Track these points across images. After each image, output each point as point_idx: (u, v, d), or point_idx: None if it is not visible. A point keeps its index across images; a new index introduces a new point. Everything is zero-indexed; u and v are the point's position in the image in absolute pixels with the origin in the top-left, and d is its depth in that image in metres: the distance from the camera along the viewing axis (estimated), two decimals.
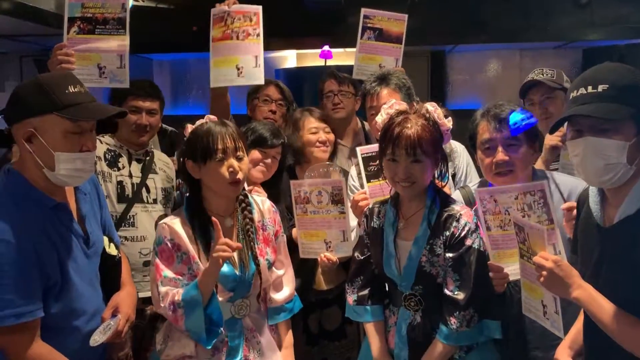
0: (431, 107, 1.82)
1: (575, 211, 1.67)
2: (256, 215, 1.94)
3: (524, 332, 1.87)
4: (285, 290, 2.00)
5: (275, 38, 5.19)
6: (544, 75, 2.60)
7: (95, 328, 1.70)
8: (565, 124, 1.48)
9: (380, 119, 1.87)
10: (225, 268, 1.77)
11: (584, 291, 1.39)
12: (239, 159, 1.81)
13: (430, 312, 1.81)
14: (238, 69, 2.47)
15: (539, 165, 2.02)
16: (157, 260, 1.79)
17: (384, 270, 1.87)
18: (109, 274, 1.83)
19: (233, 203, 1.90)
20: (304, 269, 2.40)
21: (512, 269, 1.72)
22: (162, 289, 1.77)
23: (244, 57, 2.47)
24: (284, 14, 5.01)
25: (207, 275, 1.72)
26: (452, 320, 1.74)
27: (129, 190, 2.41)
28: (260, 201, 2.00)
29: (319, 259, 2.23)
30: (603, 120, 1.36)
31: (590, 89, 1.39)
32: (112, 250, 1.85)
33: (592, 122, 1.38)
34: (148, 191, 2.46)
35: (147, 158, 2.52)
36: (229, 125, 1.84)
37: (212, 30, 2.51)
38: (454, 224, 1.77)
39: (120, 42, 2.34)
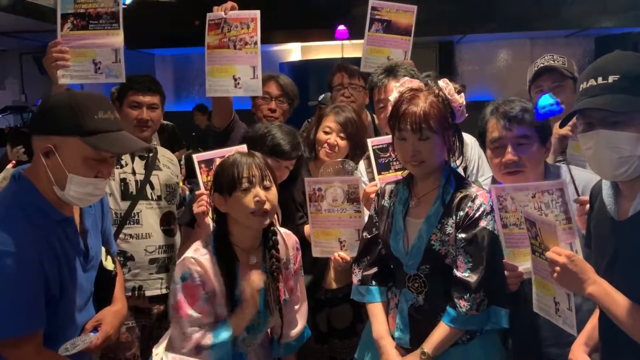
0: (443, 83, 1.81)
1: (588, 206, 1.66)
2: (282, 252, 1.90)
3: (539, 329, 1.87)
4: (298, 326, 2.00)
5: (279, 31, 5.20)
6: (555, 62, 2.54)
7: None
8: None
9: (393, 97, 1.87)
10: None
11: (598, 287, 1.38)
12: (266, 189, 1.78)
13: (433, 296, 1.80)
14: (235, 80, 2.44)
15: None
16: (181, 297, 1.74)
17: (390, 249, 1.87)
18: (103, 289, 1.84)
19: (259, 238, 1.87)
20: (316, 267, 2.40)
21: (527, 268, 1.71)
22: (189, 329, 1.73)
23: (241, 68, 2.43)
24: (287, 7, 5.01)
25: (242, 319, 1.77)
26: (462, 303, 1.72)
27: (132, 188, 2.42)
28: (286, 235, 1.96)
29: (332, 258, 2.23)
30: (614, 112, 1.35)
31: (600, 80, 1.38)
32: (108, 263, 1.85)
33: (604, 114, 1.37)
34: (152, 188, 2.46)
35: (151, 155, 2.52)
36: (255, 156, 1.83)
37: (208, 37, 2.47)
38: (469, 204, 1.76)
39: (114, 37, 2.34)
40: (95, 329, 1.74)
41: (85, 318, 1.74)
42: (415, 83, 1.85)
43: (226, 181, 1.76)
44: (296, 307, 2.00)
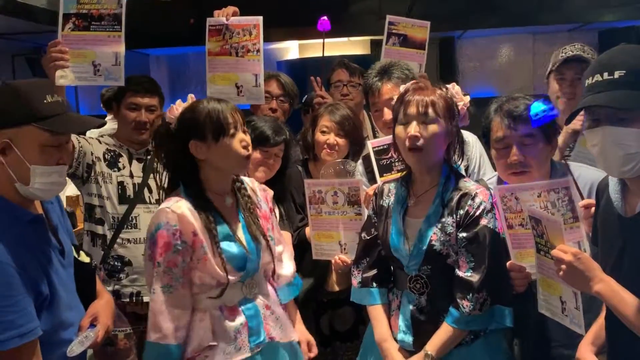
0: (450, 85, 1.86)
1: (593, 209, 1.66)
2: (250, 194, 1.97)
3: (547, 329, 1.87)
4: (288, 266, 2.05)
5: (276, 29, 5.19)
6: (586, 53, 2.50)
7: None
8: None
9: (402, 90, 1.90)
10: (233, 248, 1.80)
11: (605, 285, 1.39)
12: (245, 133, 1.84)
13: (436, 296, 1.81)
14: (237, 87, 2.47)
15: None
16: (154, 248, 1.76)
17: (390, 251, 1.87)
18: (85, 282, 1.83)
19: (231, 181, 1.92)
20: (317, 269, 2.41)
21: (534, 268, 1.71)
22: (157, 303, 1.76)
23: (243, 75, 2.47)
24: (284, 3, 5.01)
25: None
26: (465, 303, 1.73)
27: (130, 191, 2.43)
28: (250, 180, 2.03)
29: (332, 261, 2.24)
30: (621, 109, 1.36)
31: (606, 75, 1.39)
32: (83, 258, 1.84)
33: (610, 111, 1.38)
34: (150, 191, 2.47)
35: (149, 157, 2.53)
36: (227, 102, 1.87)
37: (208, 43, 2.50)
38: (469, 202, 1.77)
39: (115, 39, 2.35)
40: (91, 325, 1.74)
41: (78, 316, 1.73)
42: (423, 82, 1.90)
43: (212, 128, 1.78)
44: (279, 247, 2.03)
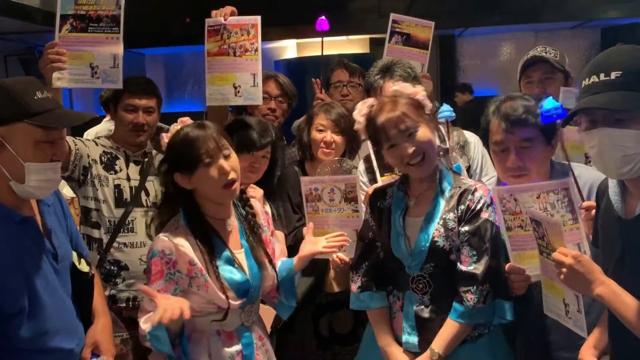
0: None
1: (594, 211, 1.67)
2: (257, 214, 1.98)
3: (548, 332, 1.88)
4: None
5: (274, 27, 5.22)
6: (547, 53, 2.59)
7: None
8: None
9: (360, 119, 1.91)
10: (236, 275, 1.81)
11: (606, 287, 1.40)
12: (226, 157, 1.80)
13: (439, 295, 1.83)
14: (235, 88, 2.48)
15: None
16: (149, 275, 1.79)
17: (391, 252, 1.89)
18: (82, 293, 1.81)
19: (230, 206, 1.92)
20: (315, 270, 2.43)
21: (534, 270, 1.73)
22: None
23: (241, 75, 2.48)
24: (282, 1, 5.04)
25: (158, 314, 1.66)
26: (469, 297, 1.76)
27: (127, 194, 2.44)
28: (254, 201, 2.04)
29: (330, 260, 2.25)
30: (618, 110, 1.37)
31: (602, 76, 1.40)
32: (83, 266, 1.82)
33: (607, 112, 1.40)
34: (147, 194, 2.47)
35: (146, 160, 2.53)
36: (207, 127, 1.82)
37: (207, 44, 2.51)
38: (469, 197, 1.81)
39: (114, 41, 2.36)
40: (94, 354, 1.74)
41: (67, 323, 1.70)
42: (370, 100, 1.92)
43: (186, 159, 1.77)
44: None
